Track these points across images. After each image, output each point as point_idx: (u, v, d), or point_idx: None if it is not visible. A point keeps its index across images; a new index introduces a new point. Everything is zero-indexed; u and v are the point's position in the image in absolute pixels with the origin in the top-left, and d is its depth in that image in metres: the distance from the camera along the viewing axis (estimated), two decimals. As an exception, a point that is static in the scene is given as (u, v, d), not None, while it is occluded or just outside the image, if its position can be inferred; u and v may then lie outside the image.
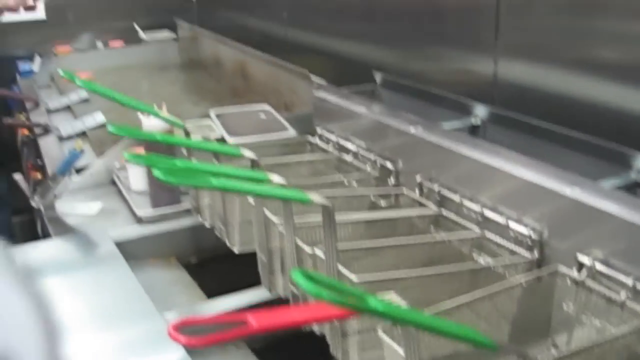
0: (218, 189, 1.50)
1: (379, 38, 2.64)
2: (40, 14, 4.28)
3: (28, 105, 3.38)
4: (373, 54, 2.67)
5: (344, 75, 2.72)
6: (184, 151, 1.82)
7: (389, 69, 2.44)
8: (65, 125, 2.89)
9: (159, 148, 1.85)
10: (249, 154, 1.49)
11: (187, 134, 1.82)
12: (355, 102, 1.99)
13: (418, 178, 1.64)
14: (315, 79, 2.50)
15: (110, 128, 1.41)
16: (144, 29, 4.31)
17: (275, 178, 1.24)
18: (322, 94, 2.12)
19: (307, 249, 1.26)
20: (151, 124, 1.96)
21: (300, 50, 3.20)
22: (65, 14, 4.41)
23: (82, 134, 2.86)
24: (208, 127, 2.26)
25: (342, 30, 2.91)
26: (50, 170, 2.52)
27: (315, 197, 1.11)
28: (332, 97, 2.08)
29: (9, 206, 3.94)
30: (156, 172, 0.98)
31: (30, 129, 3.02)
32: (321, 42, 3.08)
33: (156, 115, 1.83)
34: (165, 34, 4.33)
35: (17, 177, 3.29)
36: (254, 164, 1.50)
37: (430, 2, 2.33)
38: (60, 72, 1.90)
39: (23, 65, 4.13)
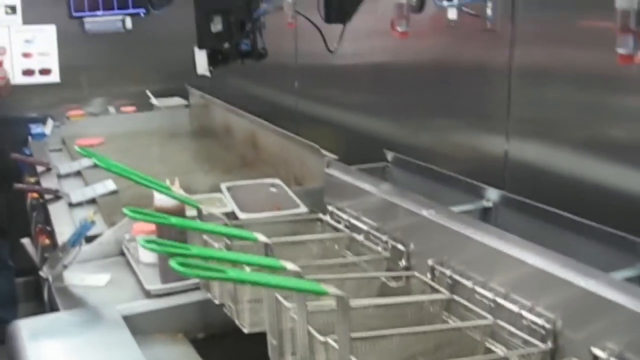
0: (234, 281, 1.49)
1: (389, 112, 2.67)
2: (55, 77, 4.35)
3: (39, 168, 3.40)
4: (383, 127, 2.70)
5: (354, 148, 2.75)
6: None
7: (398, 143, 2.46)
8: (76, 191, 2.91)
9: (171, 227, 1.86)
10: (262, 238, 1.50)
11: (201, 213, 1.82)
12: (367, 181, 2.00)
13: (430, 262, 1.64)
14: (326, 153, 2.53)
15: (126, 212, 1.41)
16: (155, 95, 4.37)
17: (290, 266, 1.24)
18: (333, 171, 2.14)
19: (320, 338, 1.25)
20: (164, 199, 1.96)
21: (310, 121, 3.23)
22: (78, 78, 4.47)
23: (92, 201, 2.87)
24: (219, 201, 2.28)
25: (352, 103, 2.95)
26: (59, 236, 2.52)
27: (331, 289, 1.11)
28: (343, 175, 2.10)
29: (12, 269, 3.94)
30: (172, 264, 0.98)
31: (40, 193, 3.04)
32: (331, 114, 3.11)
33: (170, 195, 1.83)
34: (176, 101, 4.39)
35: (25, 241, 3.31)
36: (268, 249, 1.50)
37: (441, 78, 2.36)
38: (77, 149, 1.91)
39: (35, 128, 4.18)
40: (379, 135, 2.72)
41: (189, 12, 4.40)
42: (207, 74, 2.15)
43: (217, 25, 2.02)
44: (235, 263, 1.32)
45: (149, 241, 1.19)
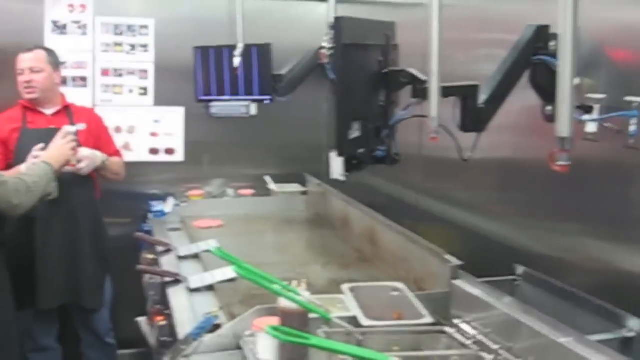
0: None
1: (517, 214, 2.59)
2: (179, 156, 4.50)
3: (159, 247, 3.48)
4: (510, 231, 2.60)
5: (477, 251, 2.68)
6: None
7: (526, 250, 2.38)
8: (195, 277, 2.94)
9: (293, 320, 1.84)
10: (396, 360, 1.46)
11: (326, 317, 1.80)
12: (498, 297, 1.94)
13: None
14: (450, 258, 2.47)
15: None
16: (274, 180, 4.44)
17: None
18: (460, 283, 2.08)
19: None
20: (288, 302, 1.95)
21: (431, 219, 3.18)
22: (200, 158, 4.61)
23: (210, 287, 2.89)
24: (340, 302, 2.25)
25: (477, 203, 2.88)
26: (178, 323, 2.53)
27: None
28: (471, 288, 2.04)
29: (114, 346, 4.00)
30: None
31: (160, 275, 3.09)
32: (454, 213, 3.06)
33: (299, 302, 1.82)
34: (294, 187, 4.45)
35: (141, 320, 3.36)
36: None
37: (576, 181, 2.25)
38: (212, 251, 1.94)
39: (156, 205, 4.31)
40: (505, 239, 2.63)
41: (311, 101, 4.55)
42: (342, 178, 2.15)
43: (355, 132, 2.04)
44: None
45: (274, 328, 1.19)
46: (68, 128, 3.37)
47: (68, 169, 3.35)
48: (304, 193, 4.38)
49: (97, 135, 3.84)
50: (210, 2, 4.51)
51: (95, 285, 3.73)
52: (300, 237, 3.72)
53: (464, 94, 2.12)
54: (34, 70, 3.63)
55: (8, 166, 3.50)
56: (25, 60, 3.65)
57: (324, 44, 2.46)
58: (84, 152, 3.50)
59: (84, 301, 3.68)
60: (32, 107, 3.70)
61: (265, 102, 4.20)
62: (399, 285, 2.35)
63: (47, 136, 3.33)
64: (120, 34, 4.43)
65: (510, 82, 2.13)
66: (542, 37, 2.02)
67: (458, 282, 2.10)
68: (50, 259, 3.59)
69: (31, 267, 3.55)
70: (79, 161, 3.45)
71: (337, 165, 2.12)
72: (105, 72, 4.42)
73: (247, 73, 4.15)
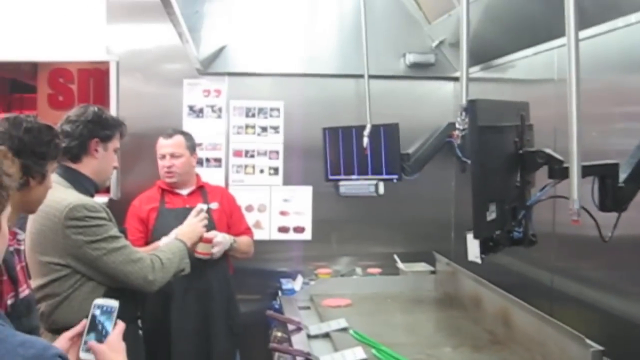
0: None
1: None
2: (307, 235, 4.57)
3: (290, 326, 3.50)
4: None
5: (618, 335, 2.55)
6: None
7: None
8: (326, 357, 2.93)
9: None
10: None
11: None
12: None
13: None
14: (591, 343, 2.36)
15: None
16: (402, 259, 4.42)
17: None
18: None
19: None
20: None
21: (567, 300, 3.06)
22: (329, 236, 4.66)
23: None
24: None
25: (618, 284, 2.74)
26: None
27: None
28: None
29: None
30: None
31: (291, 354, 3.11)
32: (592, 295, 2.92)
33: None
34: (422, 266, 4.41)
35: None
36: None
37: None
38: (352, 333, 1.94)
39: (286, 283, 4.37)
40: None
41: (439, 178, 4.54)
42: (479, 261, 2.13)
43: (491, 214, 2.02)
44: None
45: None
46: (201, 206, 3.50)
47: (200, 256, 3.48)
48: (432, 272, 4.33)
49: (229, 213, 3.97)
50: (337, 83, 4.63)
51: (226, 361, 3.81)
52: (429, 318, 3.67)
53: (604, 173, 2.07)
54: (174, 156, 3.83)
55: (146, 244, 3.67)
56: (166, 146, 3.85)
57: (457, 125, 2.46)
58: (218, 237, 3.62)
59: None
60: (169, 189, 3.88)
61: (394, 180, 4.24)
62: (539, 371, 2.26)
63: (182, 215, 3.47)
64: (252, 116, 4.61)
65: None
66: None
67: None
68: (185, 335, 3.70)
69: (166, 342, 3.67)
70: (212, 246, 3.57)
71: (473, 247, 2.10)
72: (237, 153, 4.59)
73: (375, 152, 4.20)
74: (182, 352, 3.70)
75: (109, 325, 1.93)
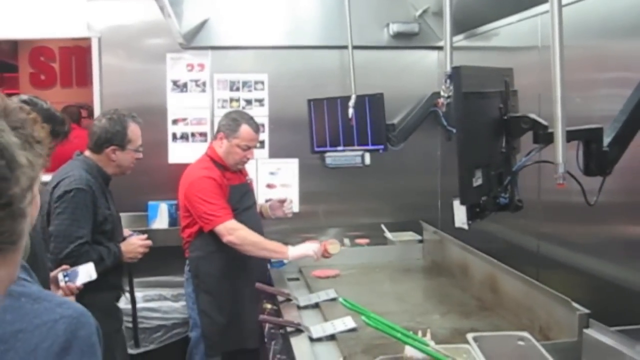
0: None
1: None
2: (295, 207, 4.58)
3: (279, 298, 3.52)
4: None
5: (604, 298, 2.58)
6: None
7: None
8: (316, 327, 2.96)
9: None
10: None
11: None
12: (632, 346, 1.86)
13: None
14: (578, 306, 2.39)
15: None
16: (389, 228, 4.44)
17: None
18: (592, 332, 2.01)
19: None
20: (414, 351, 1.94)
21: (553, 266, 3.09)
22: (316, 208, 4.69)
23: (332, 336, 2.90)
24: (466, 353, 2.22)
25: (603, 248, 2.76)
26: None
27: None
28: (603, 338, 1.97)
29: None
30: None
31: (282, 326, 3.13)
32: (577, 259, 2.95)
33: (427, 352, 1.81)
34: (410, 236, 4.43)
35: (264, 369, 3.39)
36: None
37: None
38: (341, 301, 1.96)
39: (275, 257, 4.38)
40: (635, 285, 2.52)
41: (424, 148, 4.56)
42: (465, 227, 2.14)
43: (477, 180, 2.03)
44: None
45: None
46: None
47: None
48: (420, 241, 4.36)
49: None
50: (321, 54, 4.62)
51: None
52: (418, 286, 3.69)
53: (588, 138, 2.08)
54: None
55: None
56: (257, 140, 3.93)
57: (441, 92, 2.46)
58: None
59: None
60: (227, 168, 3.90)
61: (380, 151, 4.26)
62: (525, 334, 2.29)
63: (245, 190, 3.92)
64: (237, 89, 4.60)
65: (636, 122, 2.08)
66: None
67: (589, 331, 2.02)
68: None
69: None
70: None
71: (460, 214, 2.11)
72: (223, 127, 4.58)
73: (360, 123, 4.22)
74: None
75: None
